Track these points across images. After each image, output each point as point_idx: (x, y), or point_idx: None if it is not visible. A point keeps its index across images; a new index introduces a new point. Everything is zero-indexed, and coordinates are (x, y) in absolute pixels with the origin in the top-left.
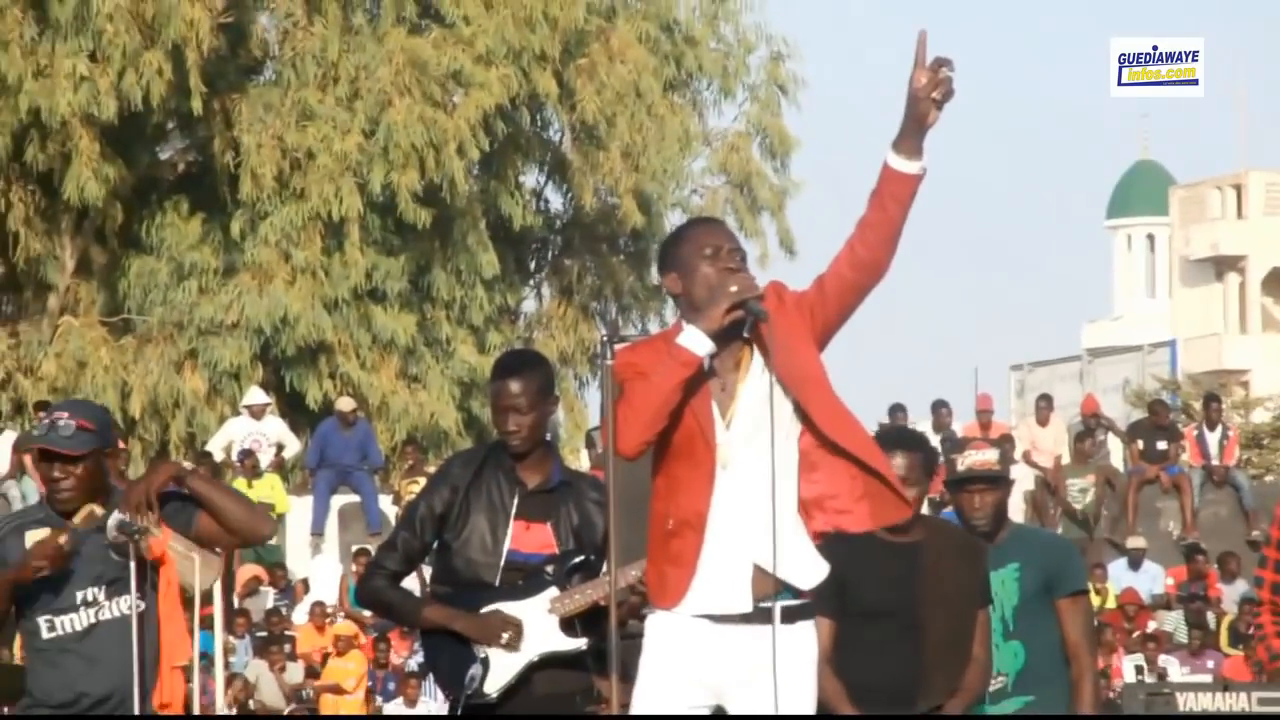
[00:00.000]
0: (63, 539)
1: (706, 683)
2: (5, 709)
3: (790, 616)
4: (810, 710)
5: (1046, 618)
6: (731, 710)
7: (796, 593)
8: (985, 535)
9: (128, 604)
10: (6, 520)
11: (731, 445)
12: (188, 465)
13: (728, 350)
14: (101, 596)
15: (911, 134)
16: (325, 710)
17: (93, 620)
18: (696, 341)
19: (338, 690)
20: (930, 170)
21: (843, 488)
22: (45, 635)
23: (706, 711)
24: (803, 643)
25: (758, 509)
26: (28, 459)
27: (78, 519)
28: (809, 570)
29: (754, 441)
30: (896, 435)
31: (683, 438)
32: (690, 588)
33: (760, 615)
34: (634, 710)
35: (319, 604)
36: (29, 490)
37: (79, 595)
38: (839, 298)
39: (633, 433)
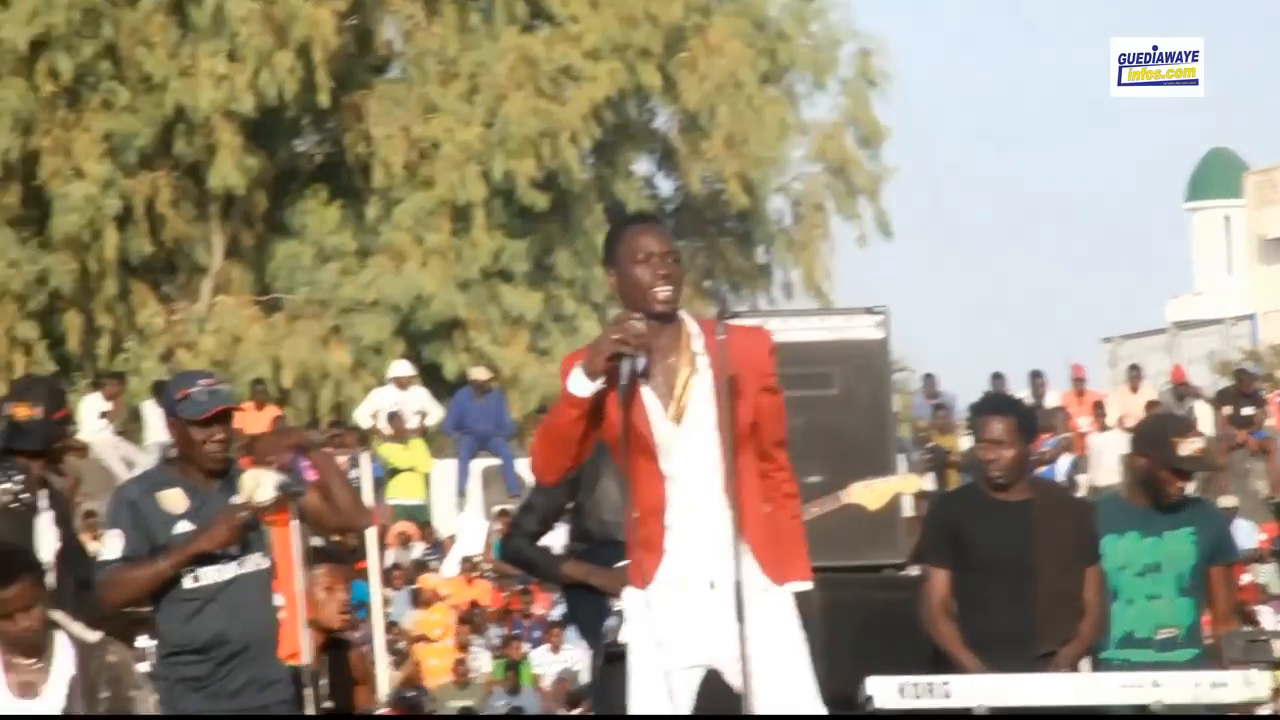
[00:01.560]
0: (242, 514)
1: (691, 647)
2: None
3: (751, 581)
4: (805, 662)
5: (1205, 580)
6: (725, 674)
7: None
8: (1175, 505)
9: (257, 560)
10: (134, 483)
11: (678, 440)
12: (316, 437)
13: (665, 345)
14: (238, 551)
15: None
16: (418, 658)
17: (235, 573)
18: (580, 385)
19: (424, 640)
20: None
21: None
22: (188, 585)
23: (702, 671)
24: (776, 605)
25: (707, 502)
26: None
27: (248, 486)
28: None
29: (702, 438)
30: (995, 400)
31: (630, 435)
32: (659, 569)
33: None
34: (633, 675)
35: (468, 559)
36: None
37: (219, 550)
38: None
39: (542, 466)
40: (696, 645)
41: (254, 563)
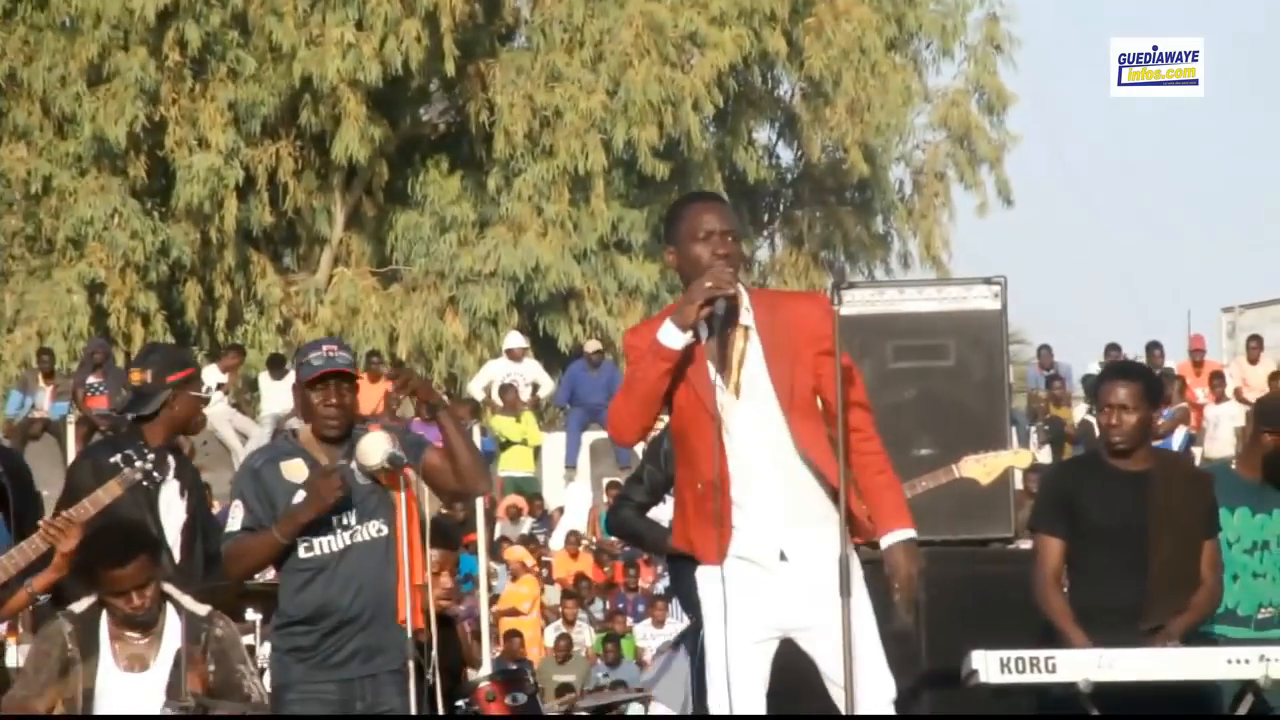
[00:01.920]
0: (335, 475)
1: (765, 620)
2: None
3: (820, 550)
4: (872, 624)
5: None
6: (800, 642)
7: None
8: None
9: (377, 528)
10: (259, 454)
11: (737, 411)
12: (448, 400)
13: (724, 320)
14: (354, 521)
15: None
16: (504, 629)
17: (348, 542)
18: (672, 337)
19: (514, 613)
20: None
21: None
22: (303, 555)
23: (776, 642)
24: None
25: (769, 469)
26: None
27: (361, 449)
28: (827, 530)
29: (758, 408)
30: (1120, 367)
31: (687, 407)
32: (730, 544)
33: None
34: (708, 652)
35: (573, 532)
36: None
37: (334, 519)
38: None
39: (626, 425)
40: (770, 617)
41: (371, 531)
